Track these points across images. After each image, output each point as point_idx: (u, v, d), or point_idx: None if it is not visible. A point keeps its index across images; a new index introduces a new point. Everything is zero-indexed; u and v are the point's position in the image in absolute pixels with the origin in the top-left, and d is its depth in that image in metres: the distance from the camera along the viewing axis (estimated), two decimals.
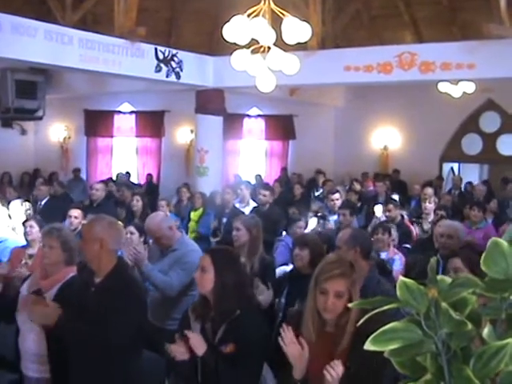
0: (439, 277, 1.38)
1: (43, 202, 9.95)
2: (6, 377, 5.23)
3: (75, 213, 7.25)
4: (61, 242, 4.22)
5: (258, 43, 7.01)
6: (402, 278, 1.34)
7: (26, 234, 6.31)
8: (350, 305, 1.52)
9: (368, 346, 1.30)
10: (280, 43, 6.97)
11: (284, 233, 7.91)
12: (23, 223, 6.44)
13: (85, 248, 3.84)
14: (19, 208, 7.69)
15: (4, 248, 6.67)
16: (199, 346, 3.39)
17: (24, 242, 6.58)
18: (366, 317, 1.41)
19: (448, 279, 1.39)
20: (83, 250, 3.88)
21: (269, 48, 7.07)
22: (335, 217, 8.36)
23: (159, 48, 11.70)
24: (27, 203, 7.99)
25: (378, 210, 9.16)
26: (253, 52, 7.30)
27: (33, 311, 3.82)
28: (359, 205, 10.77)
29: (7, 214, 7.32)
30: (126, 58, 10.99)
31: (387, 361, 1.39)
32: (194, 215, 10.03)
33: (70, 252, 4.25)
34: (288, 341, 2.98)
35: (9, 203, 8.00)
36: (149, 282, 5.05)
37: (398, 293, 1.32)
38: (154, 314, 4.03)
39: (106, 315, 3.58)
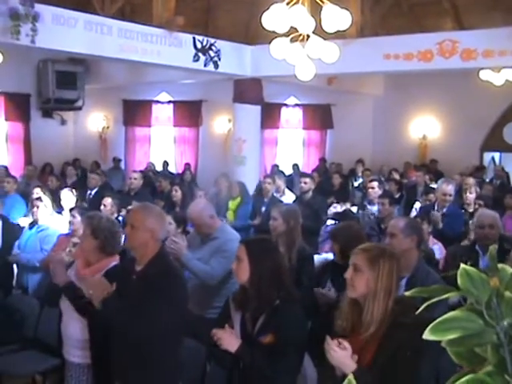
0: (500, 266, 1.34)
1: (93, 192, 10.06)
2: (49, 361, 5.33)
3: (105, 201, 7.39)
4: (91, 230, 4.26)
5: (297, 31, 6.95)
6: (463, 266, 1.30)
7: (69, 222, 6.42)
8: (407, 293, 1.46)
9: (427, 335, 1.26)
10: (319, 31, 6.91)
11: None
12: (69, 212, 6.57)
13: (133, 235, 3.83)
14: (70, 196, 7.80)
15: (45, 236, 6.79)
16: (232, 342, 3.38)
17: (66, 230, 6.69)
18: (425, 305, 1.36)
19: (509, 269, 1.35)
20: (130, 237, 3.87)
21: (308, 36, 7.01)
22: (375, 207, 8.28)
23: (197, 37, 11.70)
24: (75, 191, 8.11)
25: (417, 205, 9.07)
26: (292, 40, 7.24)
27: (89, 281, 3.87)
28: (398, 195, 10.66)
29: (50, 202, 7.41)
30: (164, 48, 11.02)
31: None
32: (232, 204, 10.03)
33: (103, 240, 4.27)
34: (332, 352, 2.91)
35: (51, 192, 8.11)
36: (189, 272, 5.06)
37: (459, 281, 1.28)
38: (194, 302, 4.03)
39: (147, 303, 3.59)
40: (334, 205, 8.84)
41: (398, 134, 16.47)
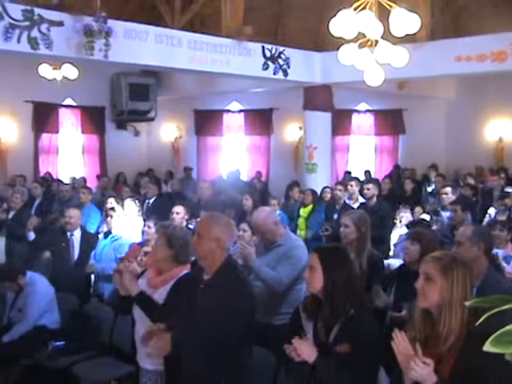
0: None
1: (151, 201, 10.24)
2: (124, 368, 5.44)
3: (178, 209, 7.43)
4: (166, 239, 4.28)
5: (365, 37, 6.90)
6: None
7: (143, 232, 6.54)
8: (467, 303, 1.42)
9: (487, 347, 1.22)
10: (387, 36, 6.84)
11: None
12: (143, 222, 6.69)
13: (199, 244, 3.84)
14: (132, 206, 7.95)
15: (119, 245, 6.94)
16: (310, 353, 3.35)
17: (137, 239, 6.82)
18: (485, 316, 1.32)
19: None
20: (196, 246, 3.88)
21: (376, 41, 6.96)
22: (448, 213, 8.10)
23: (266, 46, 11.78)
24: (137, 201, 8.27)
25: (491, 210, 8.85)
26: (360, 46, 7.20)
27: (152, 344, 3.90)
28: (474, 200, 10.41)
29: (122, 212, 7.59)
30: (234, 58, 11.15)
31: (504, 364, 1.30)
32: (303, 212, 10.04)
33: (177, 249, 4.29)
34: (401, 349, 2.87)
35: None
36: (257, 277, 5.06)
37: None
38: (260, 309, 4.02)
39: (215, 312, 3.60)
40: (402, 212, 8.74)
41: (473, 138, 16.06)
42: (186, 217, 7.46)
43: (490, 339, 1.22)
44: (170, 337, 3.72)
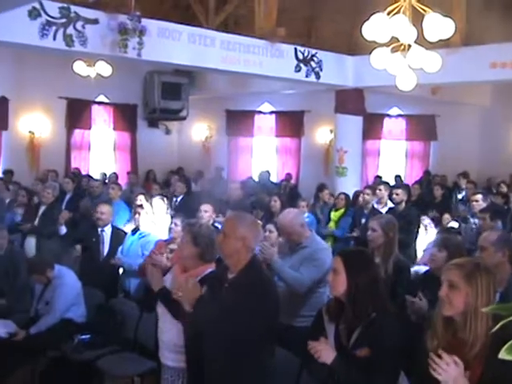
0: None
1: (179, 199, 10.29)
2: (147, 364, 5.48)
3: (206, 207, 7.41)
4: (191, 237, 4.30)
5: (398, 41, 6.86)
6: None
7: (169, 229, 6.58)
8: (484, 309, 1.41)
9: (503, 355, 1.20)
10: (421, 40, 6.79)
11: None
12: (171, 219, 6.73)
13: (225, 243, 3.87)
14: (161, 204, 8.00)
15: (146, 242, 6.99)
16: (329, 354, 3.35)
17: (164, 237, 6.86)
18: (500, 324, 1.31)
19: None
20: (222, 245, 3.91)
21: (409, 46, 6.91)
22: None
23: (299, 48, 11.79)
24: (166, 199, 8.32)
25: None
26: (393, 50, 7.15)
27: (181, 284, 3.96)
28: (506, 208, 10.27)
29: (151, 209, 7.65)
30: (266, 59, 11.18)
31: None
32: (334, 215, 10.06)
33: (203, 247, 4.30)
34: (445, 367, 2.79)
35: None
36: (278, 278, 5.08)
37: None
38: (282, 310, 4.04)
39: (239, 311, 3.62)
40: (426, 219, 8.70)
41: (507, 146, 15.89)
42: (214, 215, 7.48)
43: (505, 347, 1.20)
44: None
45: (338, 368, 3.34)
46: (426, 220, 8.80)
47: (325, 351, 3.36)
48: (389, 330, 3.37)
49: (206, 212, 7.33)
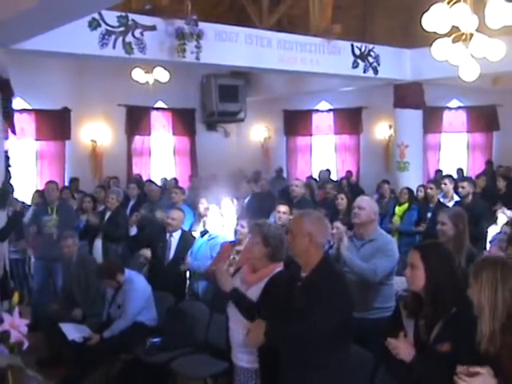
0: None
1: (246, 200, 10.30)
2: (219, 365, 5.50)
3: (283, 208, 7.27)
4: (262, 238, 4.30)
5: (459, 31, 6.72)
6: None
7: (236, 231, 6.59)
8: None
9: None
10: (482, 28, 6.63)
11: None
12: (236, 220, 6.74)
13: (293, 242, 3.88)
14: (230, 205, 8.03)
15: (215, 244, 7.02)
16: (408, 352, 3.31)
17: (232, 238, 6.87)
18: None
19: None
20: (291, 244, 3.92)
21: (471, 35, 6.76)
22: None
23: (355, 44, 11.70)
24: (235, 201, 8.35)
25: None
26: (454, 40, 7.01)
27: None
28: None
29: (219, 211, 7.67)
30: (323, 56, 11.13)
31: None
32: (398, 210, 10.01)
33: (273, 247, 4.30)
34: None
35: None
36: (349, 269, 5.05)
37: None
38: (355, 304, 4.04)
39: (313, 309, 3.61)
40: (500, 210, 8.47)
41: None
42: (291, 216, 7.31)
43: None
44: (263, 326, 3.80)
45: (417, 366, 3.29)
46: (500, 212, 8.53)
47: (404, 349, 3.31)
48: (471, 324, 3.28)
49: (285, 213, 7.16)
